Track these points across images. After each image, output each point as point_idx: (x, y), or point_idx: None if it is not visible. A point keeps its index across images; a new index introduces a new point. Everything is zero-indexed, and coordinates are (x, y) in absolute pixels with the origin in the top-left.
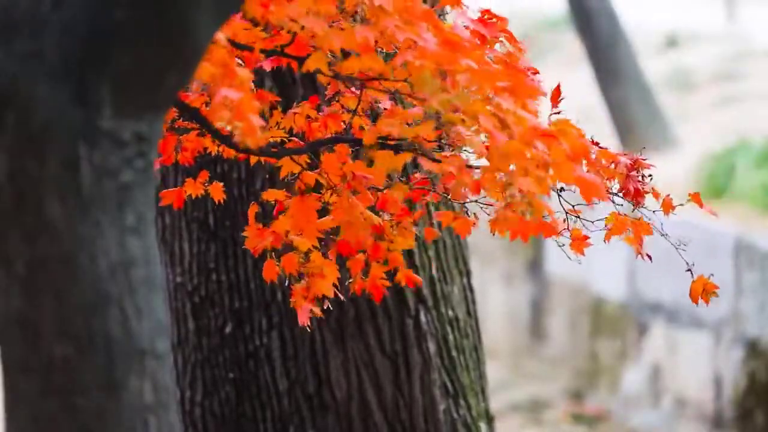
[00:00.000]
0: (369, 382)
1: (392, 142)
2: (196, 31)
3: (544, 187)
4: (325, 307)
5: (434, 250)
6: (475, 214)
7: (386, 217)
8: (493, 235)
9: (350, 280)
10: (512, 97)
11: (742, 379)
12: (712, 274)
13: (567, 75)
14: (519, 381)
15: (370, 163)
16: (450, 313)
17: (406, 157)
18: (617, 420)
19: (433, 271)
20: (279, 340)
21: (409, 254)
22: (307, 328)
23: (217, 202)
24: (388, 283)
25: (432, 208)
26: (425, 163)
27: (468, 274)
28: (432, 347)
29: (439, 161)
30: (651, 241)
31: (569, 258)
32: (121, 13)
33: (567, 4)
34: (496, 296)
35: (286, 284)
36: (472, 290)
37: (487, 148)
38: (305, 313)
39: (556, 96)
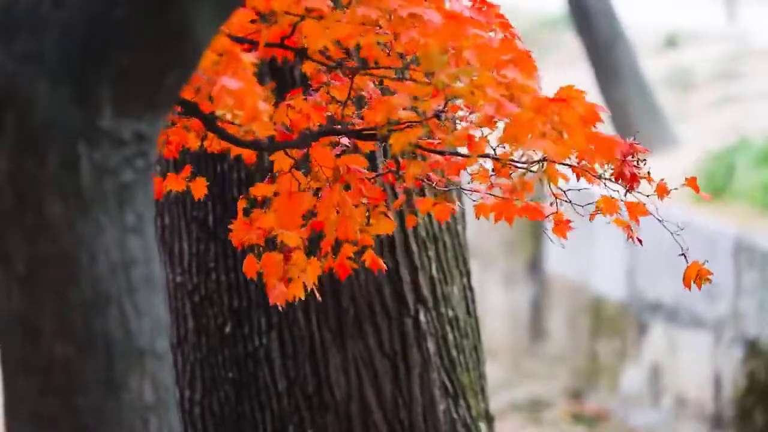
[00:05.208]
0: (368, 382)
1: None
2: (195, 30)
3: (563, 149)
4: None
5: (434, 250)
6: (455, 196)
7: (363, 201)
8: (477, 219)
9: (323, 257)
10: (517, 68)
11: (741, 378)
12: (712, 273)
13: (566, 75)
14: (519, 381)
15: (356, 149)
16: (450, 312)
17: (419, 132)
18: (617, 419)
19: (433, 271)
20: (278, 340)
21: (408, 254)
22: (307, 328)
23: (216, 202)
24: (355, 265)
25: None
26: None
27: (468, 274)
28: (431, 347)
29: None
30: (651, 241)
31: (564, 249)
32: (120, 13)
33: (566, 3)
34: (496, 296)
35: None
36: (471, 290)
37: (491, 117)
38: (278, 293)
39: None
